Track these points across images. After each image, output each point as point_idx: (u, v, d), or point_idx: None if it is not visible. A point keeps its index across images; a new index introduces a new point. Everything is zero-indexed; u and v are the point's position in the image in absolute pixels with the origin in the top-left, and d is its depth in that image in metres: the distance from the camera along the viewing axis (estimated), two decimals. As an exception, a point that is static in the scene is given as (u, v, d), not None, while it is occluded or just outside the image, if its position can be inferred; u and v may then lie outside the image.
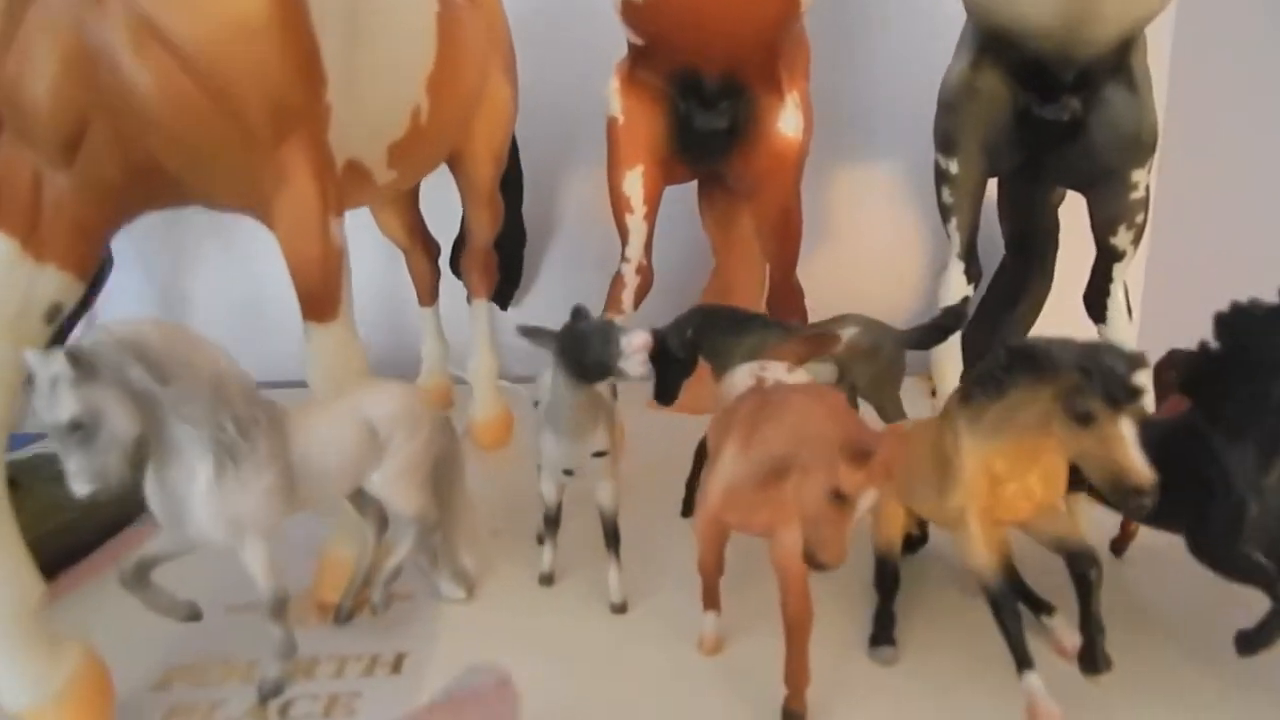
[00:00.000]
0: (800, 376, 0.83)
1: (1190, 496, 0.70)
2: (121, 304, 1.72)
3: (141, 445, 0.65)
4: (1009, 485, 0.71)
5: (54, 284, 0.68)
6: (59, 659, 0.69)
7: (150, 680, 0.79)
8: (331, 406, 0.77)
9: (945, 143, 1.31)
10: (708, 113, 1.24)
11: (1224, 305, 0.71)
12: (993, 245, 1.64)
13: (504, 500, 1.13)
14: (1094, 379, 0.60)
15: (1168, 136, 1.76)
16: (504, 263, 1.70)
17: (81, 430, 0.60)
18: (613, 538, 0.87)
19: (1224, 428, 0.68)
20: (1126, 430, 0.60)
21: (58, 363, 0.59)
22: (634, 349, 0.71)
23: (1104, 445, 0.61)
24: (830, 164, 1.78)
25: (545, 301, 1.89)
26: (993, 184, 1.49)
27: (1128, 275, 1.36)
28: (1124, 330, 1.37)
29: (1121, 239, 1.30)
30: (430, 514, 0.84)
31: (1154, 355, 1.83)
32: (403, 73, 0.93)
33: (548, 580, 0.92)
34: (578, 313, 0.80)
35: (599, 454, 0.83)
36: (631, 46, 1.24)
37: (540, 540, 0.94)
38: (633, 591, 0.89)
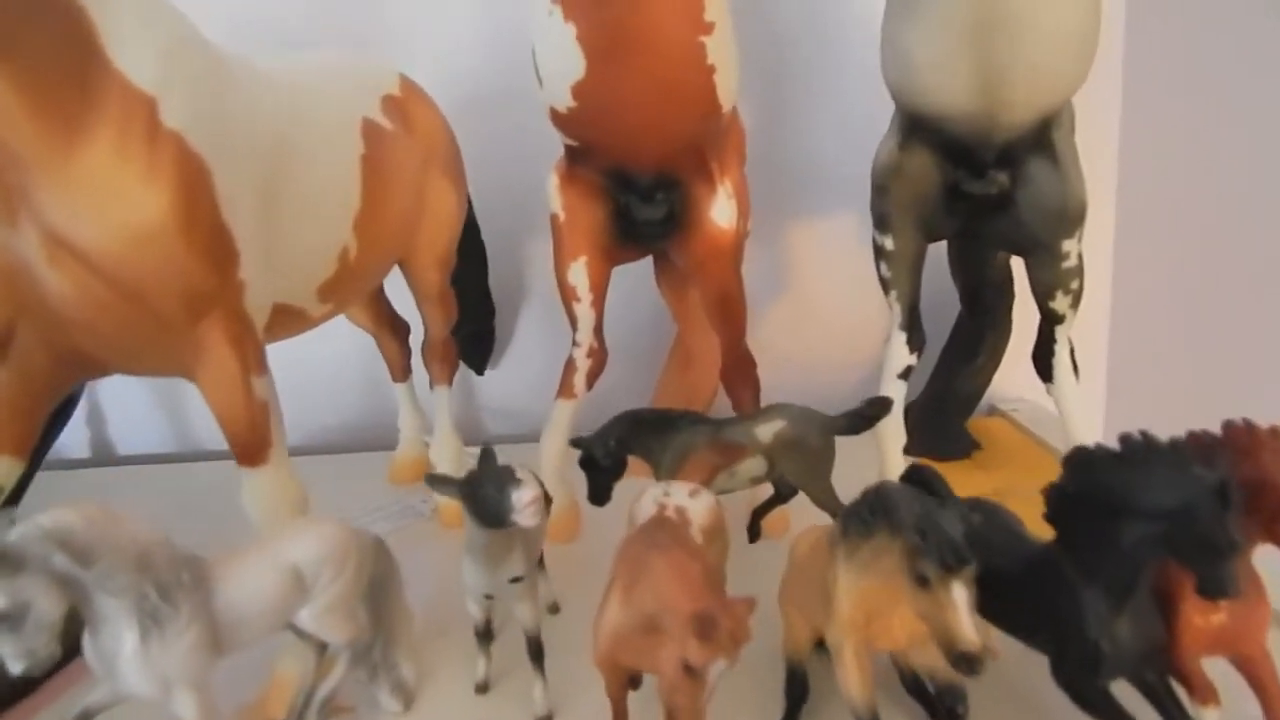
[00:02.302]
0: (703, 501, 0.88)
1: (1050, 626, 0.74)
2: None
3: (75, 614, 0.72)
4: (886, 618, 0.76)
5: (-5, 468, 0.76)
6: None
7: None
8: (255, 554, 0.83)
9: (880, 221, 1.35)
10: (645, 204, 1.29)
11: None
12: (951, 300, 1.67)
13: (460, 594, 1.19)
14: (929, 544, 0.64)
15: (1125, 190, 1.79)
16: (475, 334, 1.77)
17: (9, 619, 0.66)
18: (536, 655, 0.92)
19: (1079, 566, 0.72)
20: (958, 595, 0.64)
21: (-17, 560, 0.65)
22: (524, 504, 0.76)
23: (938, 609, 0.65)
24: (783, 227, 1.83)
25: (521, 360, 1.95)
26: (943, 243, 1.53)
27: (1072, 334, 1.39)
28: (1070, 388, 1.40)
29: (1059, 304, 1.33)
30: (363, 638, 0.90)
31: (1123, 411, 1.86)
32: (327, 222, 0.98)
33: (483, 689, 0.98)
34: (485, 456, 0.85)
35: (515, 579, 0.89)
36: (566, 146, 1.29)
37: (479, 634, 0.99)
38: (564, 694, 0.94)
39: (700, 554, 0.82)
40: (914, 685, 0.88)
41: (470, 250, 1.61)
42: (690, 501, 0.87)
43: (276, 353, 0.95)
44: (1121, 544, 0.69)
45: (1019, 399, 1.88)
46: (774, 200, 1.76)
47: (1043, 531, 0.84)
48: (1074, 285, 1.32)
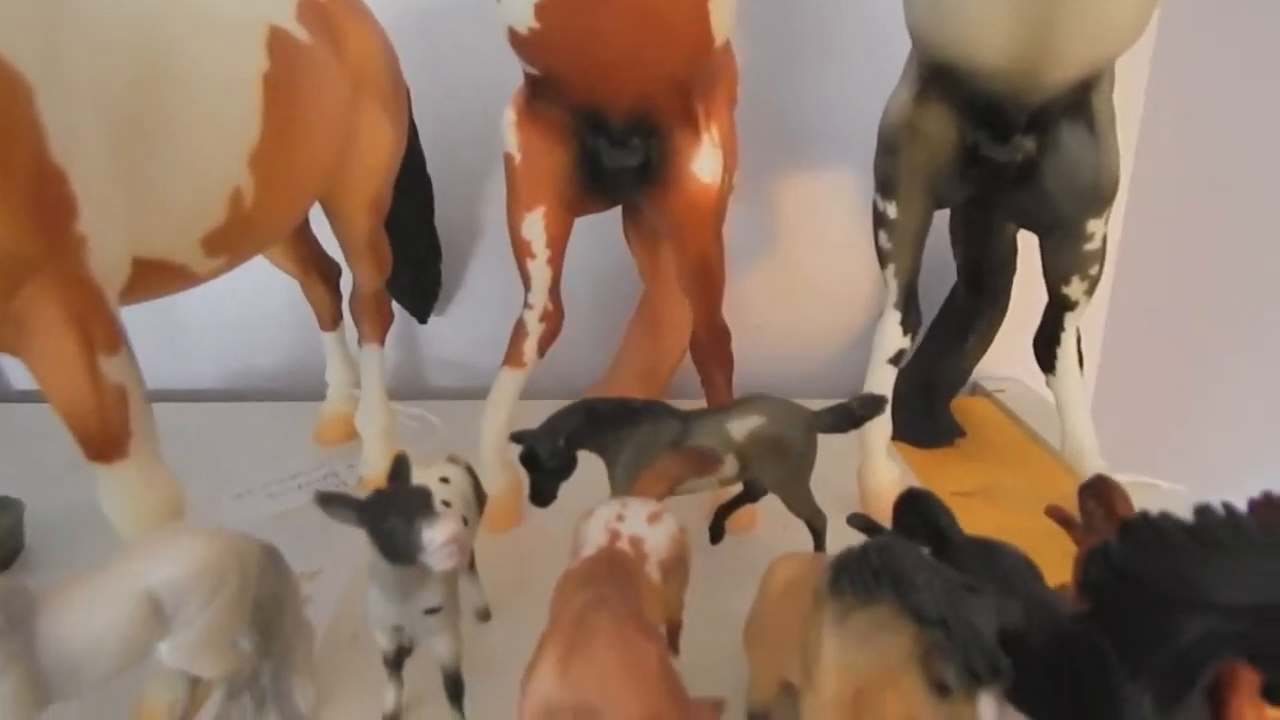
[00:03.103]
0: (663, 530, 0.73)
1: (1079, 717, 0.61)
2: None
3: None
4: (878, 696, 0.62)
5: None
6: None
7: None
8: (98, 579, 0.66)
9: (884, 185, 1.19)
10: (617, 150, 1.10)
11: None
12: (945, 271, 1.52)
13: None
14: (955, 643, 0.50)
15: (1139, 172, 1.63)
16: (419, 278, 1.58)
17: None
18: (455, 693, 0.78)
19: (1122, 655, 0.58)
20: (986, 713, 0.50)
21: None
22: (436, 545, 0.60)
23: None
24: (772, 180, 1.64)
25: (472, 307, 1.77)
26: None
27: (1082, 323, 1.25)
28: (1074, 383, 1.27)
29: (1074, 289, 1.19)
30: (243, 669, 0.75)
31: (1111, 411, 1.72)
32: (213, 156, 0.78)
33: (393, 720, 0.83)
34: (397, 468, 0.69)
35: (431, 610, 0.73)
36: (527, 75, 1.09)
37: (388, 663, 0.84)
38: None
39: (658, 598, 0.68)
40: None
41: (413, 185, 1.41)
42: (648, 530, 0.71)
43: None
44: (1182, 639, 0.55)
45: (1005, 378, 1.75)
46: (764, 150, 1.58)
47: (1043, 551, 0.73)
48: (1093, 270, 1.18)
